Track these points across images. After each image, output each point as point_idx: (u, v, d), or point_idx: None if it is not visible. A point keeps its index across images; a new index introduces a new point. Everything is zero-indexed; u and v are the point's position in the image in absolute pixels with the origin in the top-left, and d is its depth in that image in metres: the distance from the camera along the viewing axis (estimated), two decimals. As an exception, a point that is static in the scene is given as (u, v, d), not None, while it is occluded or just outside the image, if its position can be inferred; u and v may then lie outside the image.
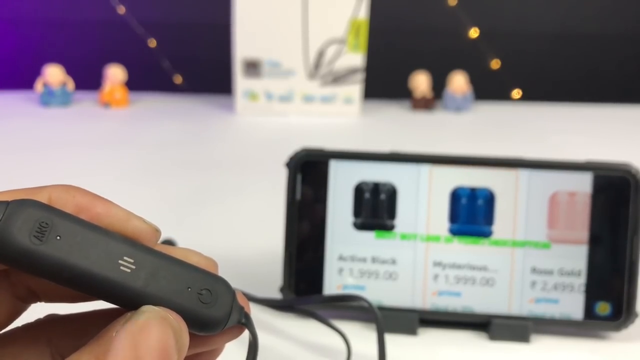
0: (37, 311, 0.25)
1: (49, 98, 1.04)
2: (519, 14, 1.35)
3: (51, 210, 0.20)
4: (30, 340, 0.23)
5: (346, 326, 0.42)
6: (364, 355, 0.40)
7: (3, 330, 0.23)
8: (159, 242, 0.23)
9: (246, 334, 0.24)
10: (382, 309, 0.42)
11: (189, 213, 0.63)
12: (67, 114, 1.01)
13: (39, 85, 1.04)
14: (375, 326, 0.38)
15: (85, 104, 1.07)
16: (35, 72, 1.06)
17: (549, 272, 0.42)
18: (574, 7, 1.35)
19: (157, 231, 0.23)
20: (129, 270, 0.21)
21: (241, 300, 0.23)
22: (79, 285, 0.20)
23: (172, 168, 0.77)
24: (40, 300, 0.24)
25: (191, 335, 0.21)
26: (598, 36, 1.35)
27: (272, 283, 0.46)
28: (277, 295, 0.45)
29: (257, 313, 0.44)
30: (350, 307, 0.43)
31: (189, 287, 0.21)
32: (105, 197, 0.23)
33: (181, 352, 0.21)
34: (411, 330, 0.42)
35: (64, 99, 1.05)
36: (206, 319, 0.22)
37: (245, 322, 0.23)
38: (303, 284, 0.44)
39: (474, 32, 1.31)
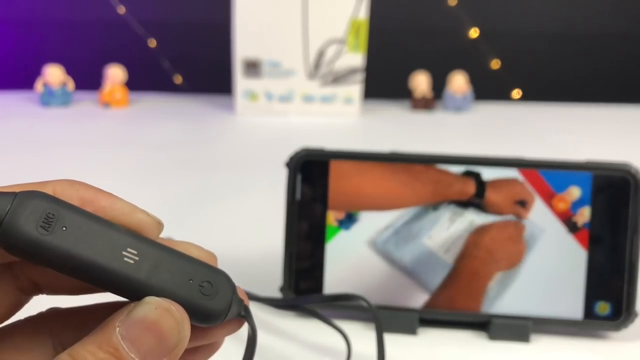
0: (39, 305, 0.25)
1: (49, 98, 1.04)
2: (519, 14, 1.35)
3: (57, 201, 0.21)
4: (32, 332, 0.24)
5: (346, 326, 0.42)
6: (364, 354, 0.40)
7: (6, 322, 0.23)
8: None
9: (245, 328, 0.24)
10: (382, 308, 0.42)
11: (189, 213, 0.63)
12: (67, 114, 1.01)
13: (39, 85, 1.04)
14: (374, 326, 0.38)
15: (85, 104, 1.07)
16: (35, 72, 1.06)
17: (549, 272, 0.42)
18: (574, 7, 1.35)
19: (159, 224, 0.23)
20: (132, 262, 0.21)
21: (240, 294, 0.24)
22: (84, 275, 0.21)
23: (172, 168, 0.77)
24: (42, 293, 0.24)
25: (192, 328, 0.22)
26: (598, 36, 1.35)
27: (272, 283, 0.46)
28: (277, 295, 0.45)
29: (257, 312, 0.44)
30: (350, 306, 0.43)
31: (190, 279, 0.22)
32: (107, 194, 0.23)
33: (182, 343, 0.21)
34: (411, 330, 0.42)
35: (64, 99, 1.05)
36: (207, 311, 0.22)
37: (245, 314, 0.24)
38: (303, 284, 0.44)
39: (474, 32, 1.31)
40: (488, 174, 0.43)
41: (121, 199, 0.23)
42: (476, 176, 0.43)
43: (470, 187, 0.43)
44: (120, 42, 1.32)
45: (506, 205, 0.43)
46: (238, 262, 0.52)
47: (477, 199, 0.43)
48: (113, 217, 0.22)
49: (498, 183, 0.43)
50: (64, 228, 0.20)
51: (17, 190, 0.21)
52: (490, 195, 0.43)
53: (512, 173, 0.43)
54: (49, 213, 0.20)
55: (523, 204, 0.43)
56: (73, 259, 0.20)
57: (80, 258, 0.20)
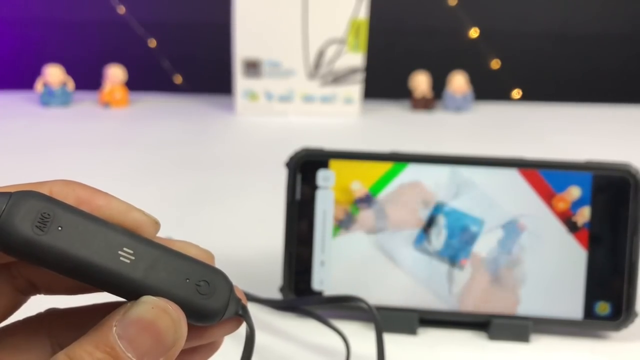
0: (38, 306, 0.25)
1: (49, 98, 1.04)
2: (519, 14, 1.35)
3: (53, 201, 0.21)
4: (31, 333, 0.24)
5: (346, 326, 0.42)
6: (363, 355, 0.40)
7: (4, 323, 0.23)
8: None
9: (243, 328, 0.24)
10: (382, 308, 0.42)
11: (189, 213, 0.63)
12: (67, 114, 1.01)
13: (39, 85, 1.04)
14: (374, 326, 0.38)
15: (85, 104, 1.07)
16: (35, 72, 1.06)
17: (548, 272, 0.42)
18: (574, 7, 1.34)
19: (156, 223, 0.23)
20: (128, 261, 0.21)
21: (238, 293, 0.24)
22: (80, 275, 0.21)
23: (172, 168, 0.77)
24: (39, 293, 0.24)
25: (190, 327, 0.22)
26: (598, 36, 1.35)
27: (272, 283, 0.46)
28: (277, 295, 0.45)
29: (257, 313, 0.44)
30: (349, 307, 0.43)
31: (187, 279, 0.22)
32: (105, 194, 0.23)
33: (179, 342, 0.21)
34: (411, 330, 0.42)
35: (64, 99, 1.05)
36: (204, 310, 0.22)
37: (242, 313, 0.23)
38: (303, 284, 0.44)
39: (474, 32, 1.31)
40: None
41: (117, 198, 0.23)
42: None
43: None
44: (120, 42, 1.32)
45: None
46: (238, 263, 0.52)
47: None
48: (109, 217, 0.22)
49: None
50: (60, 228, 0.20)
51: (13, 190, 0.21)
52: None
53: (511, 173, 0.43)
54: (45, 213, 0.20)
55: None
56: (69, 259, 0.20)
57: (76, 258, 0.20)
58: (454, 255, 0.43)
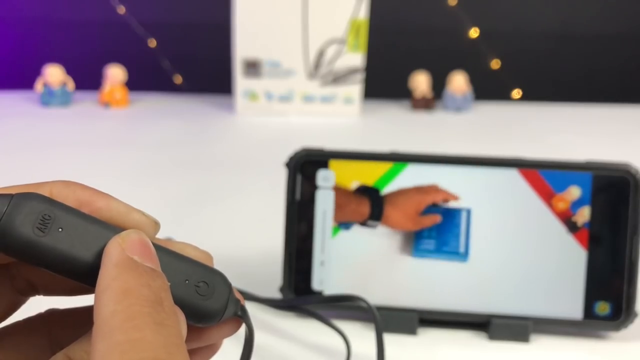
0: (38, 306, 0.25)
1: (49, 98, 1.04)
2: (519, 14, 1.35)
3: (53, 203, 0.21)
4: (30, 333, 0.24)
5: (346, 326, 0.42)
6: (364, 355, 0.40)
7: (4, 323, 0.23)
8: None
9: (242, 329, 0.24)
10: (382, 308, 0.42)
11: (189, 213, 0.63)
12: (67, 114, 1.01)
13: (39, 85, 1.04)
14: (374, 326, 0.38)
15: (85, 104, 1.07)
16: (35, 72, 1.06)
17: (548, 272, 0.42)
18: (574, 7, 1.34)
19: (156, 224, 0.23)
20: None
21: (236, 294, 0.24)
22: (80, 276, 0.21)
23: (172, 168, 0.77)
24: (39, 294, 0.24)
25: (189, 329, 0.22)
26: (598, 36, 1.35)
27: (272, 283, 0.46)
28: (277, 295, 0.45)
29: (257, 312, 0.44)
30: (350, 306, 0.43)
31: (186, 280, 0.22)
32: (105, 195, 0.23)
33: None
34: (411, 330, 0.42)
35: (64, 99, 1.05)
36: (203, 311, 0.22)
37: (241, 314, 0.24)
38: (303, 284, 0.44)
39: (474, 32, 1.31)
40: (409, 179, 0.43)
41: (117, 200, 0.23)
42: (372, 193, 0.43)
43: (365, 208, 0.43)
44: (120, 42, 1.32)
45: (410, 221, 0.43)
46: (238, 263, 0.52)
47: (372, 222, 0.43)
48: (109, 218, 0.22)
49: (398, 195, 0.43)
50: (60, 229, 0.20)
51: (13, 191, 0.21)
52: (390, 215, 0.43)
53: (511, 173, 0.43)
54: (45, 214, 0.20)
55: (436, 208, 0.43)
56: (69, 260, 0.20)
57: (76, 259, 0.21)
58: (454, 254, 0.43)
